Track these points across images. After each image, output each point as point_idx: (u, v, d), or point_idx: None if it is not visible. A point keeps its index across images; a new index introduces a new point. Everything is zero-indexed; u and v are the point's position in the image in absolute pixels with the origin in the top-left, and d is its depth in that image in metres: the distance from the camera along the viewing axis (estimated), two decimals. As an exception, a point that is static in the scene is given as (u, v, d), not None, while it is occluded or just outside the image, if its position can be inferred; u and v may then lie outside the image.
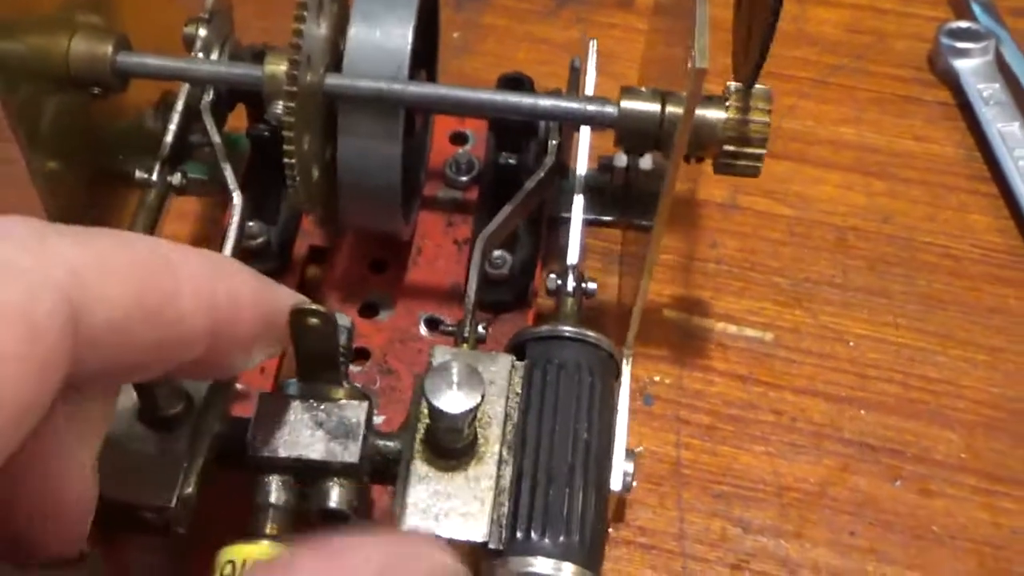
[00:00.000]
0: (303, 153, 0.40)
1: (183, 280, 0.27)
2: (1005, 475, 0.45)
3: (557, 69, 0.57)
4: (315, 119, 0.41)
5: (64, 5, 0.41)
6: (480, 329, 0.42)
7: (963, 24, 0.58)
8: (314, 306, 0.34)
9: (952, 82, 0.57)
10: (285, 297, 0.32)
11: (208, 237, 0.51)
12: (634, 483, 0.39)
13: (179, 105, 0.46)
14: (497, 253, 0.46)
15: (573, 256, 0.43)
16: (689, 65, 0.35)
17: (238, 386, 0.43)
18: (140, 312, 0.26)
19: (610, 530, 0.43)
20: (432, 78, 0.50)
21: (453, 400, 0.34)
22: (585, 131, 0.46)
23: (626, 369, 0.43)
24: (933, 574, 0.42)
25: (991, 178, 0.54)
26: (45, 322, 0.24)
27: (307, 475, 0.37)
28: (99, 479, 0.35)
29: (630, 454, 0.40)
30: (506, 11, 0.61)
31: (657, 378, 0.47)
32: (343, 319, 0.41)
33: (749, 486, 0.44)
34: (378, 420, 0.43)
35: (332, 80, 0.41)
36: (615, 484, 0.39)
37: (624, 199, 0.51)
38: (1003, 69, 0.57)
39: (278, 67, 0.41)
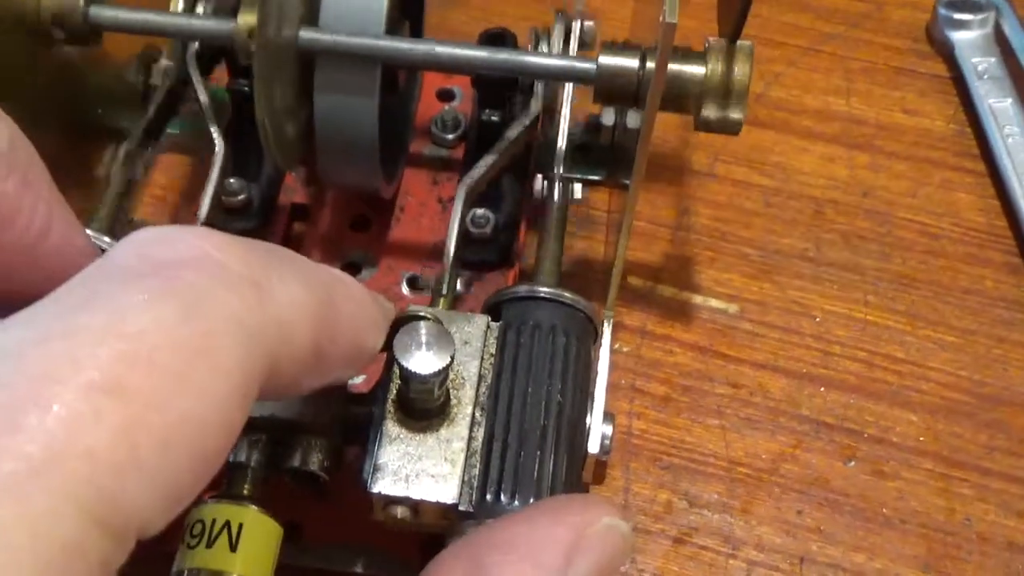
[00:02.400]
0: (273, 110, 0.40)
1: (341, 327, 0.27)
2: (964, 460, 0.44)
3: (529, 23, 0.56)
4: (288, 74, 0.40)
5: None
6: (459, 286, 0.41)
7: (964, -6, 0.57)
8: (425, 312, 0.35)
9: (948, 55, 0.56)
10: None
11: (192, 189, 0.50)
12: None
13: (163, 61, 0.46)
14: (480, 212, 0.45)
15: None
16: (660, 19, 0.34)
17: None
18: (311, 364, 0.26)
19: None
20: (417, 30, 0.49)
21: (422, 361, 0.34)
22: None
23: (607, 331, 0.42)
24: (879, 557, 0.41)
25: (979, 155, 0.53)
26: (252, 390, 0.23)
27: (279, 435, 0.37)
28: None
29: (609, 417, 0.39)
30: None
31: (616, 346, 0.46)
32: None
33: (699, 459, 0.44)
34: (358, 380, 0.43)
35: (306, 34, 0.40)
36: (592, 447, 0.38)
37: (612, 158, 0.50)
38: (1001, 43, 0.55)
39: (250, 20, 0.40)
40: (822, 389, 0.45)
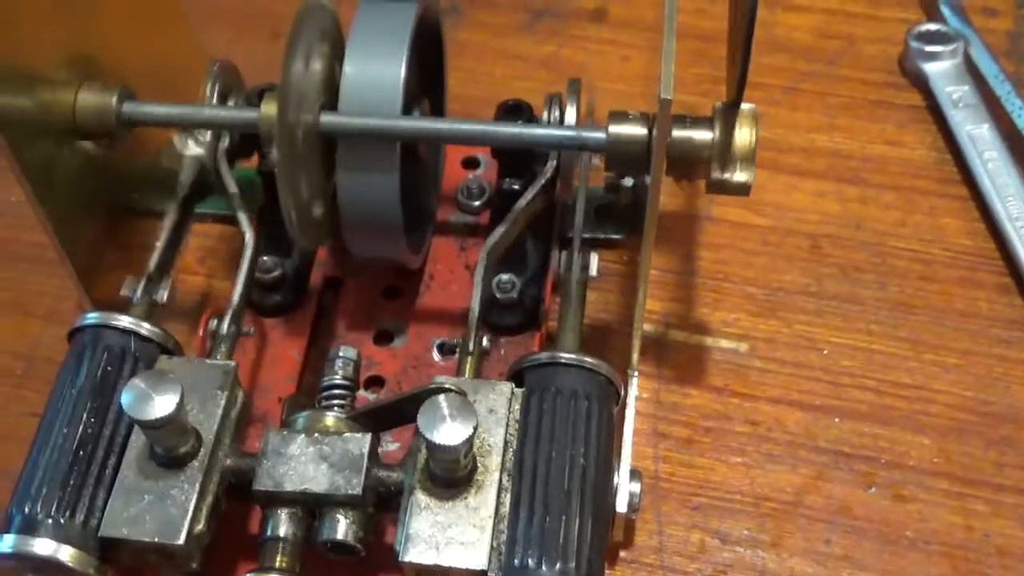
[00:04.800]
0: (297, 193, 0.41)
1: None
2: (977, 478, 0.46)
3: (534, 84, 0.58)
4: (311, 157, 0.42)
5: (69, 60, 0.43)
6: (487, 349, 0.43)
7: (932, 26, 0.59)
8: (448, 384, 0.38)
9: (922, 85, 0.58)
10: None
11: (227, 262, 0.53)
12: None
13: (196, 150, 0.48)
14: (505, 277, 0.47)
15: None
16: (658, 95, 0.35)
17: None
18: None
19: (621, 552, 0.44)
20: (438, 104, 0.50)
21: (446, 432, 0.35)
22: None
23: (632, 390, 0.44)
24: (906, 579, 0.43)
25: (961, 181, 0.55)
26: None
27: (313, 508, 0.38)
28: (111, 520, 0.36)
29: (636, 474, 0.41)
30: (482, 26, 0.62)
31: (635, 393, 0.48)
32: (349, 351, 0.42)
33: (726, 497, 0.45)
34: (393, 447, 0.45)
35: (327, 118, 0.42)
36: (620, 506, 0.40)
37: (633, 217, 0.51)
38: (972, 71, 0.58)
39: (272, 109, 0.42)
40: (836, 420, 0.47)
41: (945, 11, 0.60)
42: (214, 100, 0.46)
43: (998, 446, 0.46)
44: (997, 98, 0.56)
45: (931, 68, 0.58)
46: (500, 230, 0.44)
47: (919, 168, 0.56)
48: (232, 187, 0.45)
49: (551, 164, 0.45)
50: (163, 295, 0.45)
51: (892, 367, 0.49)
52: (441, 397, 0.36)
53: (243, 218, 0.45)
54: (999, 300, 0.51)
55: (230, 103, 0.46)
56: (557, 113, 0.47)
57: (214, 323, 0.44)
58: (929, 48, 0.58)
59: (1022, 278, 0.51)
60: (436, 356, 0.47)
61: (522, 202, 0.44)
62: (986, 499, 0.45)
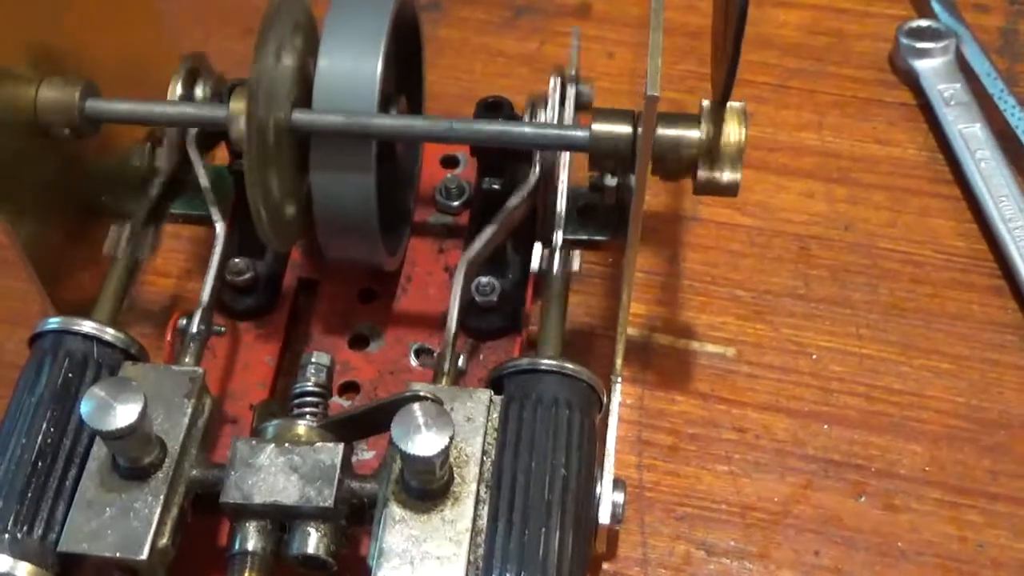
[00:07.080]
0: (267, 193, 0.40)
1: None
2: (970, 487, 0.44)
3: (516, 82, 0.57)
4: (283, 155, 0.40)
5: (31, 54, 0.41)
6: (464, 359, 0.41)
7: (923, 23, 0.58)
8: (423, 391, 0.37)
9: (913, 82, 0.57)
10: None
11: (197, 263, 0.51)
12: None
13: (166, 144, 0.47)
14: (485, 280, 0.45)
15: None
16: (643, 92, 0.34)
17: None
18: None
19: (604, 565, 0.43)
20: (415, 101, 0.49)
21: (422, 443, 0.34)
22: None
23: (615, 396, 0.42)
24: (898, 592, 0.42)
25: (953, 180, 0.54)
26: None
27: (283, 520, 0.37)
28: (71, 534, 0.35)
29: (619, 484, 0.39)
30: (463, 23, 0.61)
31: (618, 399, 0.46)
32: (322, 357, 0.41)
33: (712, 507, 0.44)
34: (368, 455, 0.43)
35: (299, 115, 0.40)
36: (603, 517, 0.38)
37: (616, 218, 0.50)
38: (964, 69, 0.56)
39: (241, 106, 0.40)
40: (825, 427, 0.46)
41: (936, 7, 0.59)
42: (177, 95, 0.45)
43: (992, 453, 0.45)
44: (990, 96, 0.55)
45: (922, 65, 0.57)
46: (480, 240, 0.43)
47: (910, 167, 0.54)
48: (203, 176, 0.44)
49: (535, 171, 0.44)
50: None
51: (883, 372, 0.47)
52: (416, 405, 0.35)
53: (215, 208, 0.43)
54: (992, 303, 0.49)
55: (198, 90, 0.45)
56: (541, 113, 0.45)
57: (183, 322, 0.42)
58: (920, 45, 0.57)
59: (1016, 280, 0.49)
60: (413, 361, 0.46)
61: (507, 208, 0.43)
62: (980, 508, 0.44)
